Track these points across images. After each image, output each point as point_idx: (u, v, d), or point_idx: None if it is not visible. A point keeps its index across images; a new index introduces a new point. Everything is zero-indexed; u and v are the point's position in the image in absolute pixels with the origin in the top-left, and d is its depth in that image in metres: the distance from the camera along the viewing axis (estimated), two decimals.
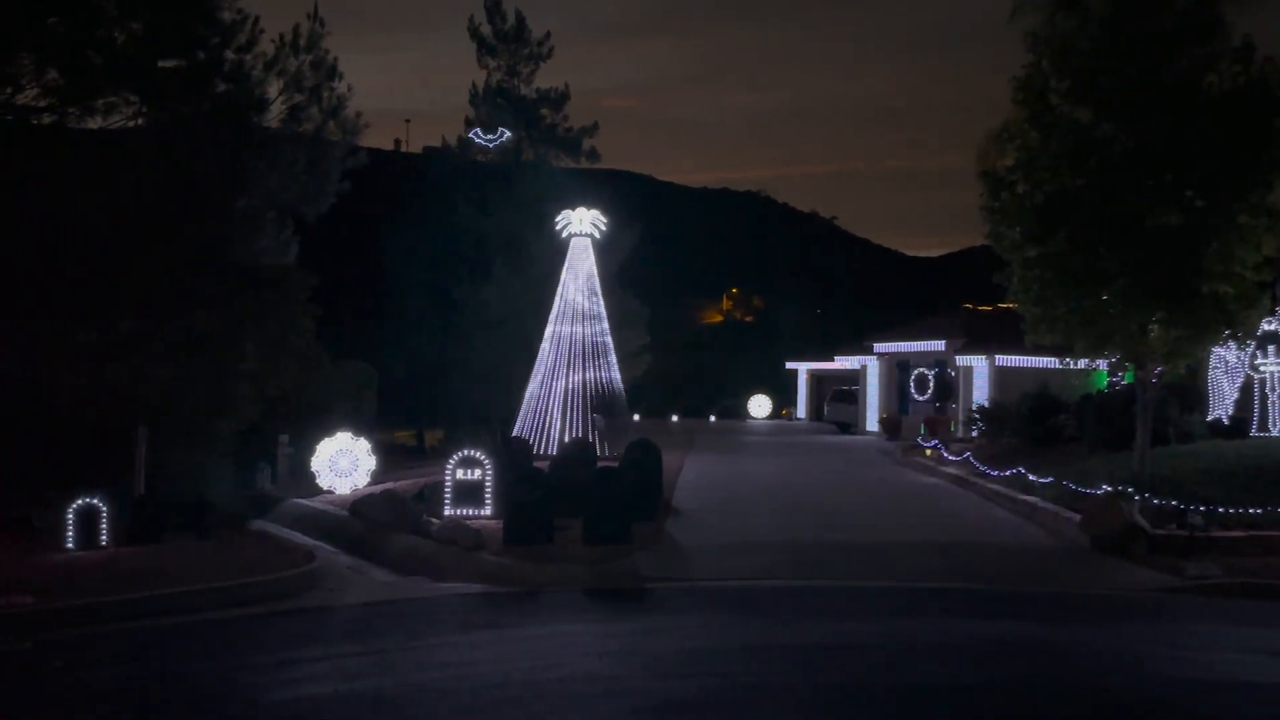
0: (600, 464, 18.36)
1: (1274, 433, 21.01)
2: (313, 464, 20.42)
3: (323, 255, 24.98)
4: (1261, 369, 21.45)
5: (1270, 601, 11.83)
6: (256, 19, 18.04)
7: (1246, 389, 21.92)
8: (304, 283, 18.63)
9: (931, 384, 35.54)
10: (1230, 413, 21.95)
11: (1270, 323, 20.97)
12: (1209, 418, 21.84)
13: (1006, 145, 16.89)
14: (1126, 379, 21.24)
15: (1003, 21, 16.87)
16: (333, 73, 20.53)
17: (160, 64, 15.28)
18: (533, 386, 25.98)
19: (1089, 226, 15.90)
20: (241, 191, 16.80)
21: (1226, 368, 22.21)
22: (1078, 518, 15.09)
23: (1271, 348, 21.32)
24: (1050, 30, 16.32)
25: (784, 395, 51.61)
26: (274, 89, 19.75)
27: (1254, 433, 21.13)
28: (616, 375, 26.30)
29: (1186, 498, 14.67)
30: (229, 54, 17.51)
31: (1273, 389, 21.37)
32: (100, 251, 13.50)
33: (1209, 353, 20.25)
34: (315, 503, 19.09)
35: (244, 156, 16.37)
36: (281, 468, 22.48)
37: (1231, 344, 19.73)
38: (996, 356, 32.18)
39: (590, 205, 26.82)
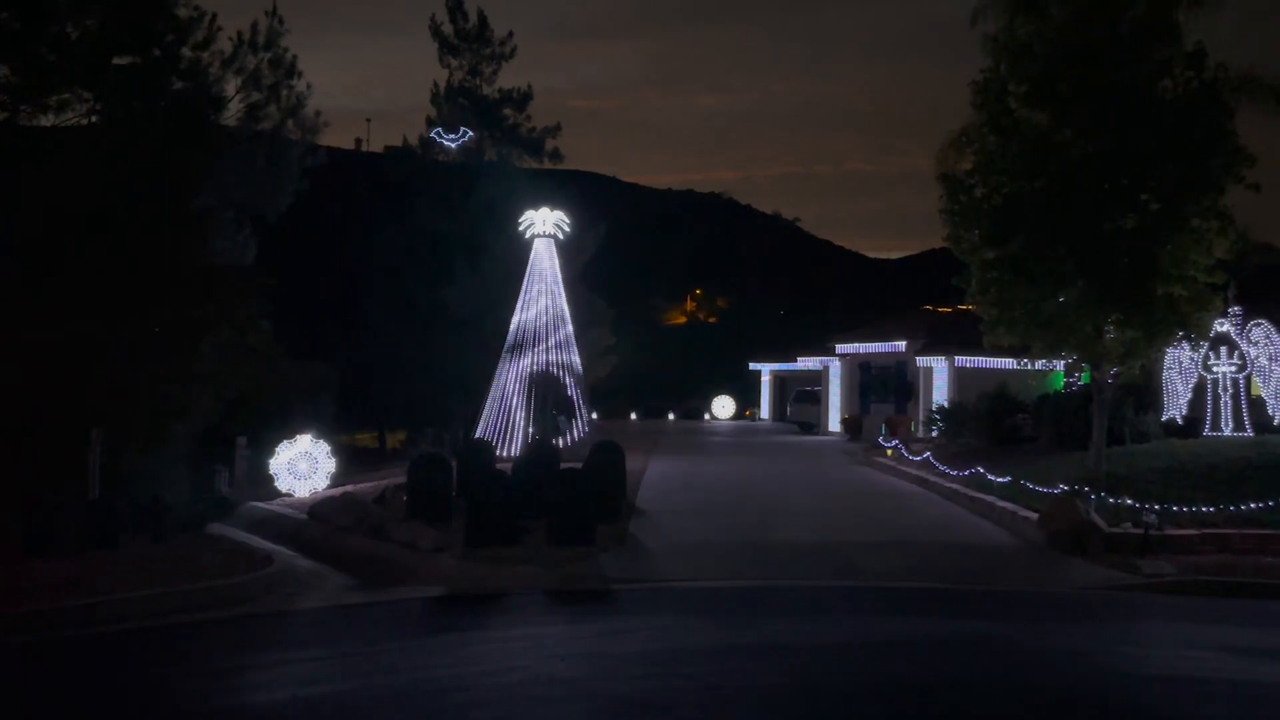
0: (564, 465, 18.31)
1: (1226, 432, 21.40)
2: (271, 467, 20.19)
3: (282, 255, 24.73)
4: (1214, 369, 21.83)
5: (1223, 598, 12.04)
6: (214, 16, 17.86)
7: (1199, 389, 22.30)
8: (262, 283, 18.42)
9: (892, 385, 35.83)
10: (1184, 413, 22.34)
11: (1222, 324, 21.38)
12: (1163, 418, 22.22)
13: (965, 149, 17.08)
14: (1083, 379, 21.57)
15: (964, 26, 17.06)
16: (292, 71, 20.35)
17: (115, 61, 15.06)
18: (495, 387, 25.88)
19: (1045, 229, 16.10)
20: (198, 190, 16.59)
21: (1180, 368, 22.59)
22: (1035, 516, 15.27)
23: (1223, 349, 21.72)
24: (1009, 35, 16.51)
25: (747, 396, 51.83)
26: (231, 87, 19.55)
27: (1207, 432, 21.51)
28: (580, 374, 26.26)
29: (1141, 496, 14.90)
30: (185, 51, 17.33)
31: (1225, 389, 21.76)
32: (48, 251, 13.27)
33: (1163, 354, 20.59)
34: (274, 506, 18.87)
35: (200, 155, 16.16)
36: (239, 471, 22.21)
37: (1185, 345, 20.09)
38: (956, 357, 32.52)
39: (553, 206, 26.76)
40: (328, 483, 20.12)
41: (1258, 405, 22.34)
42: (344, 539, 15.38)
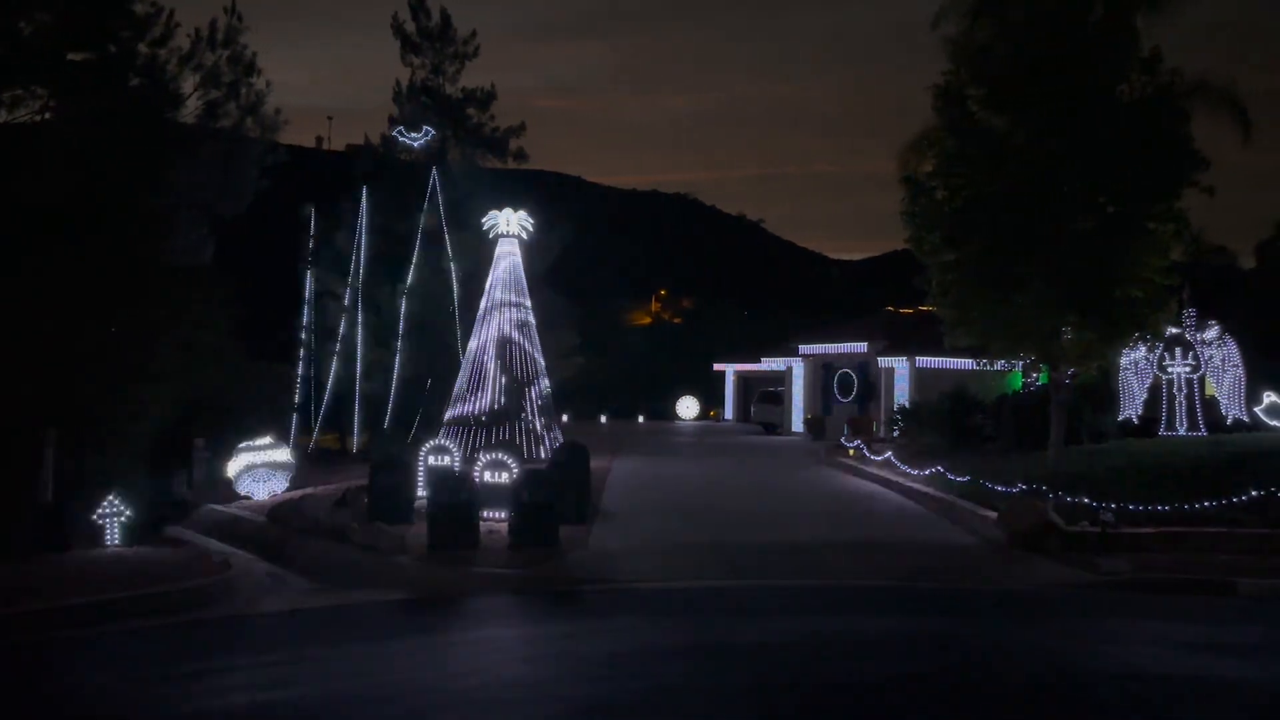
0: (527, 466, 18.25)
1: (1181, 432, 21.76)
2: (230, 469, 19.93)
3: (241, 255, 24.43)
4: (1169, 370, 22.19)
5: (1178, 596, 12.22)
6: (171, 12, 17.58)
7: (1155, 390, 22.66)
8: (220, 283, 18.19)
9: (855, 385, 36.09)
10: (1140, 413, 22.69)
11: (1177, 326, 21.74)
12: (1120, 417, 22.56)
13: (926, 151, 17.27)
14: (1041, 380, 21.85)
15: (928, 29, 17.23)
16: (251, 68, 20.11)
17: (70, 56, 14.79)
18: (458, 387, 25.76)
19: (1004, 232, 16.30)
20: (155, 189, 16.34)
21: (1136, 369, 22.94)
22: (995, 515, 15.43)
23: (1178, 350, 22.09)
24: (969, 38, 16.71)
25: (712, 396, 51.93)
26: (190, 84, 19.26)
27: (1162, 432, 21.87)
28: (544, 377, 26.20)
29: (1099, 495, 15.10)
30: (142, 48, 17.05)
31: (1179, 390, 22.13)
32: (2, 249, 13.00)
33: (1120, 355, 20.91)
34: (232, 509, 18.62)
35: (158, 153, 15.92)
36: (198, 473, 21.88)
37: (1141, 346, 20.43)
38: (917, 358, 32.81)
39: (518, 206, 26.65)
40: (287, 485, 19.90)
41: (1211, 405, 22.73)
42: (304, 542, 15.22)
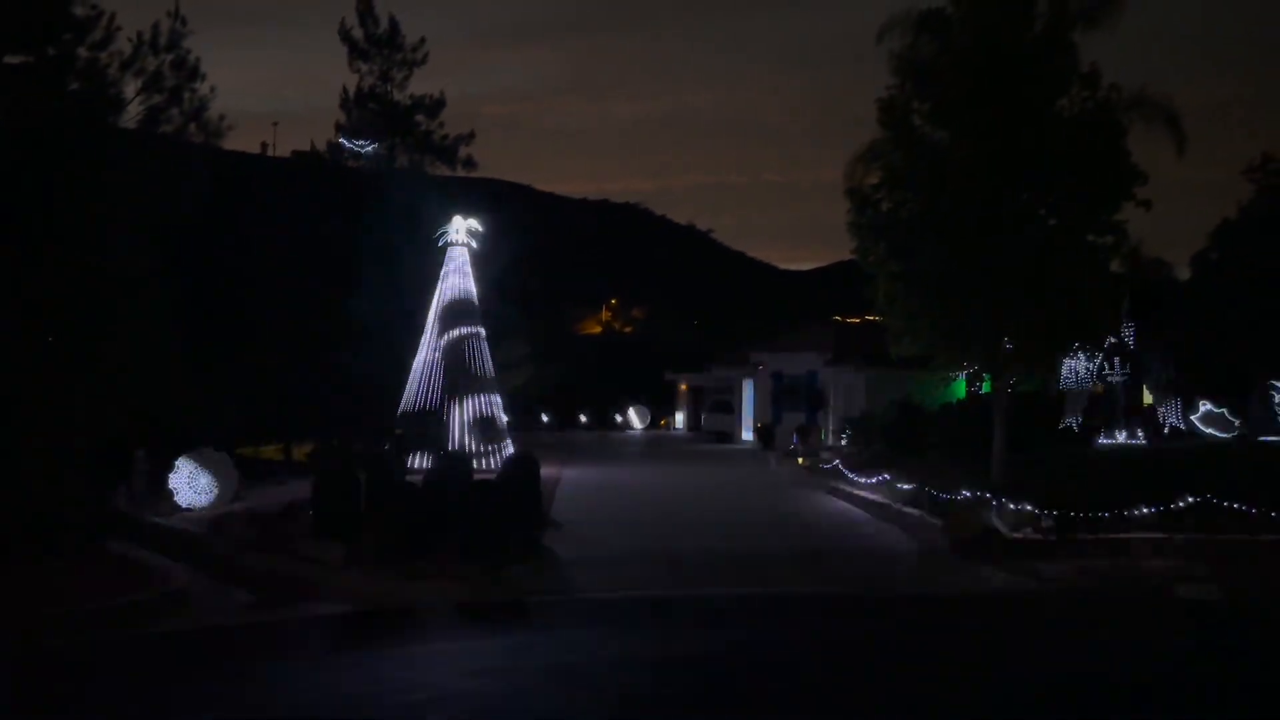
0: (477, 477, 18.13)
1: (1120, 439, 22.22)
2: (171, 480, 19.54)
3: (183, 263, 23.98)
4: (1108, 379, 22.66)
5: (1119, 601, 12.45)
6: (112, 15, 17.20)
7: (1094, 398, 23.13)
8: (160, 291, 17.83)
9: (804, 394, 36.38)
10: (1080, 420, 23.15)
11: (1116, 336, 22.21)
12: (1061, 425, 22.99)
13: (872, 164, 17.47)
14: (984, 389, 22.19)
15: (874, 43, 17.44)
16: (195, 73, 19.67)
17: (6, 60, 14.46)
18: (406, 397, 25.53)
19: (948, 243, 16.55)
20: (94, 195, 16.00)
21: (1077, 378, 23.40)
22: (940, 522, 15.64)
23: (1117, 359, 22.57)
24: (913, 53, 16.95)
25: (663, 405, 52.06)
26: (131, 89, 18.84)
27: (1102, 440, 22.32)
28: (493, 386, 26.06)
29: (1041, 502, 15.37)
30: (82, 51, 16.69)
31: (1119, 398, 22.61)
32: None
33: (1060, 364, 21.31)
34: (174, 521, 18.25)
35: (97, 158, 15.60)
36: (138, 485, 21.39)
37: (1081, 355, 20.84)
38: (865, 367, 33.15)
39: (467, 214, 26.54)
40: (231, 497, 19.55)
41: (1149, 413, 23.26)
42: (247, 555, 14.96)
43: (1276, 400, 21.53)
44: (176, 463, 19.56)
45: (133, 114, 19.25)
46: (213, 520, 17.30)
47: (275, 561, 14.42)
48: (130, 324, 16.27)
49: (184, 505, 19.19)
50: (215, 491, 19.40)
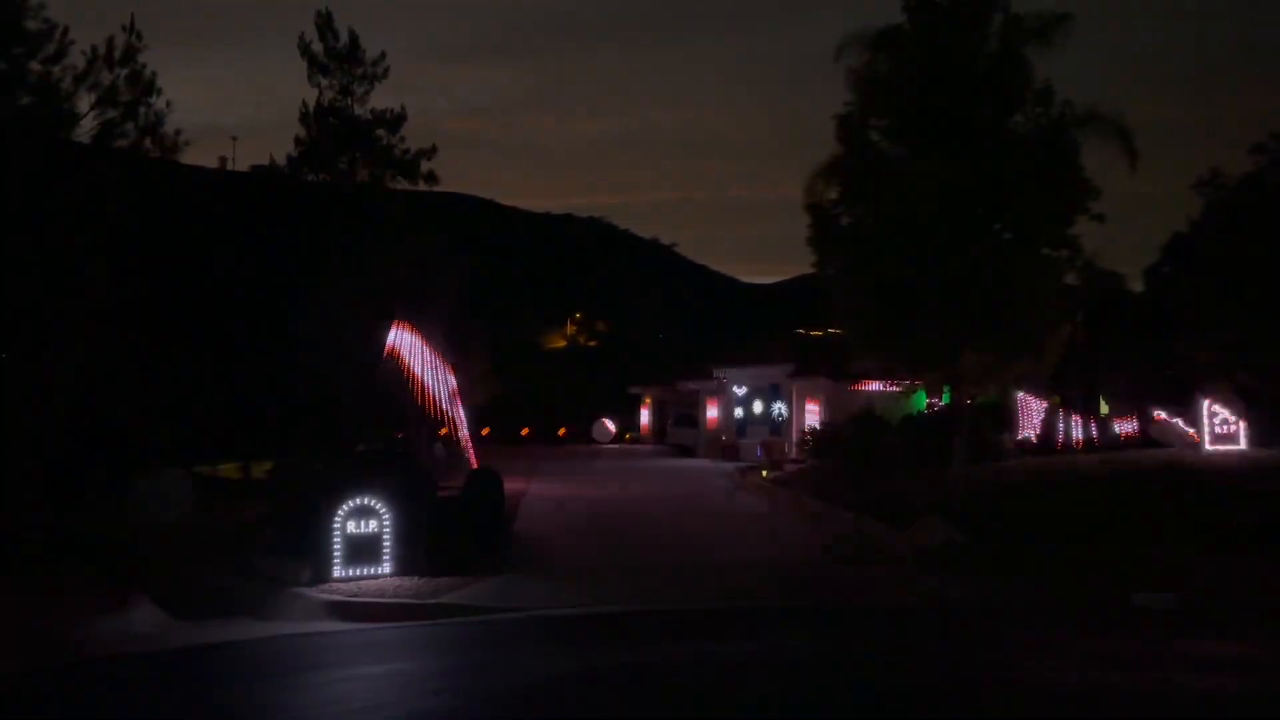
0: (441, 492, 18.01)
1: (1076, 449, 22.55)
2: (130, 499, 19.22)
3: (140, 279, 23.65)
4: (1064, 390, 23.01)
5: (1075, 610, 12.61)
6: (65, 29, 17.03)
7: (1052, 409, 23.45)
8: (113, 307, 17.59)
9: (767, 408, 36.53)
10: (1038, 431, 23.46)
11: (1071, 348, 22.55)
12: (1018, 436, 23.29)
13: (832, 180, 17.62)
14: (943, 401, 22.42)
15: (833, 60, 17.61)
16: (151, 87, 19.50)
17: None
18: (368, 413, 25.36)
19: (906, 258, 16.73)
20: (48, 210, 15.80)
21: (1035, 389, 23.73)
22: (900, 533, 15.75)
23: (1072, 371, 22.90)
24: (871, 70, 17.15)
25: (628, 419, 51.99)
26: (85, 103, 18.62)
27: (1058, 450, 22.65)
28: (456, 401, 25.95)
29: (999, 512, 15.54)
30: (34, 65, 16.51)
31: (1074, 409, 22.95)
32: None
33: (1018, 375, 21.57)
34: (129, 538, 17.94)
35: (50, 173, 15.42)
36: (95, 504, 21.05)
37: (1038, 367, 21.08)
38: (827, 381, 33.32)
39: (430, 229, 26.44)
40: (190, 515, 19.27)
41: (1104, 423, 23.62)
42: (206, 575, 14.77)
43: (1217, 417, 21.90)
44: (135, 481, 19.26)
45: (87, 129, 19.02)
46: (170, 539, 17.03)
47: (234, 581, 14.24)
48: (80, 341, 16.05)
49: (139, 523, 18.88)
50: (174, 510, 19.12)
